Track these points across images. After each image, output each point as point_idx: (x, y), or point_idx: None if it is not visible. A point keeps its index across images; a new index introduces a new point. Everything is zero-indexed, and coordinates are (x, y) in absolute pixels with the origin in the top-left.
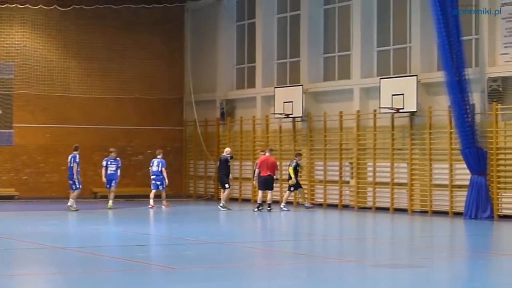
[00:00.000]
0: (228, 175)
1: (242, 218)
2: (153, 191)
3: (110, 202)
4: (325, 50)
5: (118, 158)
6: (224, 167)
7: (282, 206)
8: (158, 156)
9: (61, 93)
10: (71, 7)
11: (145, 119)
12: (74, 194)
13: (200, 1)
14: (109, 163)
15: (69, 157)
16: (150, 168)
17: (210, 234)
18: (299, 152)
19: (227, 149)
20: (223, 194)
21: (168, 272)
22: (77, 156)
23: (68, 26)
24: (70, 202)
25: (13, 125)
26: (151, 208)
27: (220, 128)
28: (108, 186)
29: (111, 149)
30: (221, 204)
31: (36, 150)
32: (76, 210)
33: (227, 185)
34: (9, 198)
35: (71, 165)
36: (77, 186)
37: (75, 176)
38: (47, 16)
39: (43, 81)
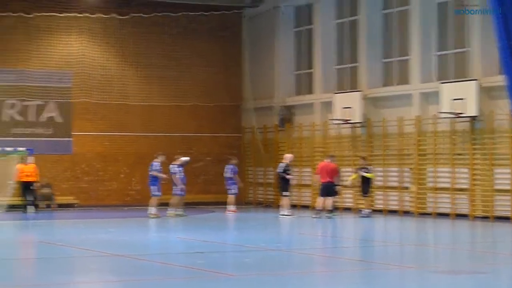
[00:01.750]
0: (288, 182)
1: (301, 224)
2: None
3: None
4: (384, 55)
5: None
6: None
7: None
8: (231, 162)
9: (119, 101)
10: (129, 15)
11: (203, 126)
12: (152, 201)
13: (258, 8)
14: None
15: (151, 165)
16: (224, 174)
17: (269, 241)
18: (362, 156)
19: (287, 156)
20: (283, 202)
21: (227, 279)
22: (157, 164)
23: (125, 34)
24: (150, 209)
25: (72, 133)
26: (230, 213)
27: (279, 135)
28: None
29: (176, 157)
30: (285, 213)
31: (95, 158)
32: (156, 217)
33: (286, 193)
34: (69, 206)
35: (150, 173)
36: (154, 193)
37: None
38: (105, 25)
39: (102, 89)
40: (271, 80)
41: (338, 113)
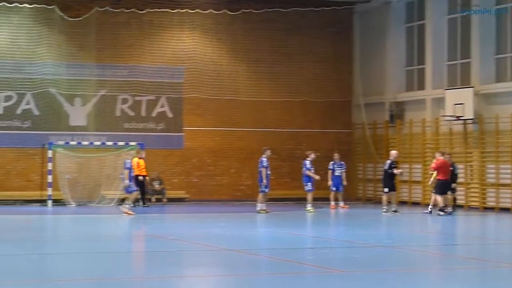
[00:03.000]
0: (391, 179)
1: (412, 221)
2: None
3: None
4: (497, 50)
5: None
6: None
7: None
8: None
9: (230, 96)
10: (240, 11)
11: (313, 122)
12: (260, 197)
13: (369, 3)
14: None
15: (260, 161)
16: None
17: (379, 237)
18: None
19: (393, 152)
20: (384, 198)
21: (337, 275)
22: (264, 159)
23: (236, 30)
24: (258, 206)
25: (183, 128)
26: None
27: (389, 131)
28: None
29: (307, 152)
30: (393, 209)
31: (206, 153)
32: (266, 212)
33: (386, 189)
34: (180, 200)
35: (260, 169)
36: (263, 189)
37: (264, 180)
38: (216, 20)
39: (213, 84)
40: (381, 76)
41: (449, 109)
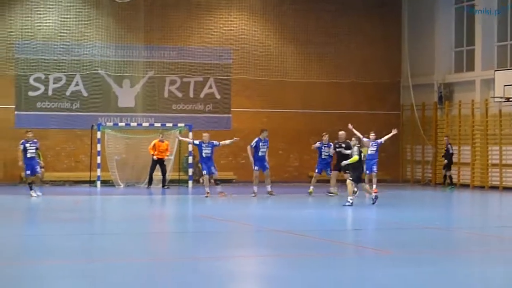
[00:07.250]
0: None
1: (461, 202)
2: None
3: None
4: None
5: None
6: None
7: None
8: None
9: (278, 78)
10: None
11: (361, 103)
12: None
13: None
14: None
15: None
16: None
17: (428, 219)
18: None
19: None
20: None
21: (385, 256)
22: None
23: (285, 11)
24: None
25: (231, 109)
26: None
27: (438, 112)
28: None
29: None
30: None
31: (254, 135)
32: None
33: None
34: (228, 181)
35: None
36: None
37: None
38: (264, 2)
39: (260, 66)
40: (430, 57)
41: (499, 90)
